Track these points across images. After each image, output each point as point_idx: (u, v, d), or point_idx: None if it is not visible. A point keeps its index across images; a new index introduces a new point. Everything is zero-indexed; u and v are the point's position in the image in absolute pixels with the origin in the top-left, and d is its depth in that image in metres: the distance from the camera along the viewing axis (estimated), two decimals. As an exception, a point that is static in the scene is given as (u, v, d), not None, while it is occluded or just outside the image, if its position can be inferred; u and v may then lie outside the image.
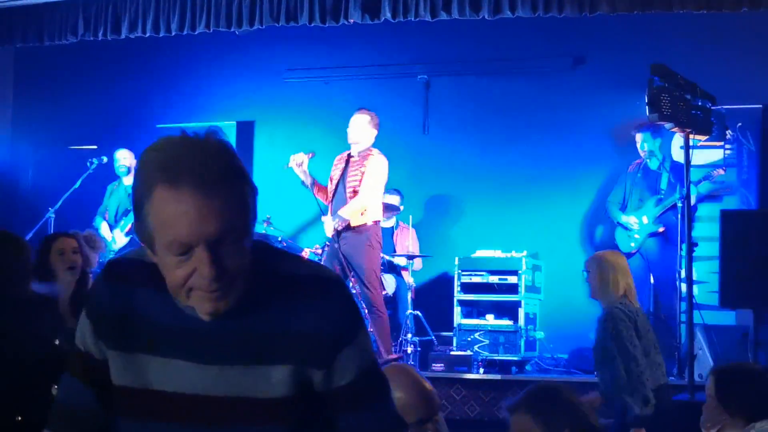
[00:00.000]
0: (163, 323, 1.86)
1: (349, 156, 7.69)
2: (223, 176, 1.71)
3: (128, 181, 9.24)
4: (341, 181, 7.61)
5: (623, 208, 8.37)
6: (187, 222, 1.68)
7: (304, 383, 1.85)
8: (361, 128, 7.64)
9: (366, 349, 1.91)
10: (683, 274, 7.11)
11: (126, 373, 1.91)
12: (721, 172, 8.24)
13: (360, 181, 7.50)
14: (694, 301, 6.29)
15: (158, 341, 1.87)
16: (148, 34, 8.98)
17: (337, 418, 1.91)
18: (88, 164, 9.23)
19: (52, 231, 8.82)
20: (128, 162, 9.26)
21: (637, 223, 8.19)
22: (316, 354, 1.84)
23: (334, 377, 1.86)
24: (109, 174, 9.41)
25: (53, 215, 8.97)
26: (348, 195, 7.50)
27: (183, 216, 1.68)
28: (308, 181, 7.71)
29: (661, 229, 8.16)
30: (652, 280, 8.28)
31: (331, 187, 7.70)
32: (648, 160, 8.33)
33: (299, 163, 7.61)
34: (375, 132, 7.68)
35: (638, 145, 8.36)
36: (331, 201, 7.66)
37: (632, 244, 8.22)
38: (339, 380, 1.87)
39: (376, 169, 7.56)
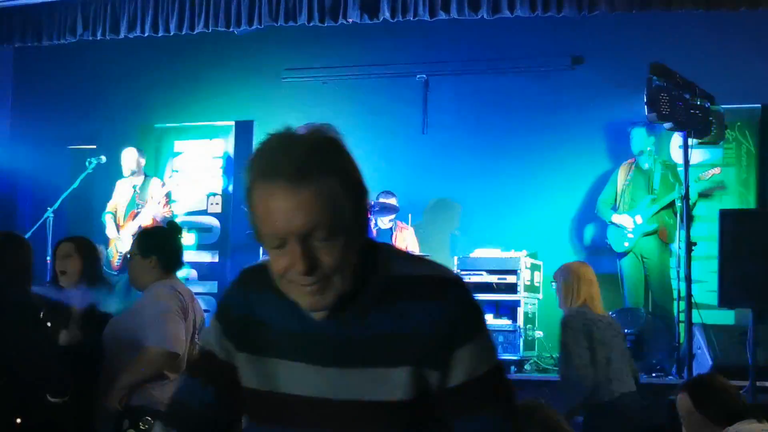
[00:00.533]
0: (286, 327, 1.90)
1: None
2: (313, 172, 1.74)
3: (136, 180, 9.21)
4: None
5: (615, 208, 8.37)
6: (277, 215, 1.74)
7: (424, 386, 1.84)
8: None
9: (483, 353, 1.86)
10: (680, 273, 7.12)
11: (254, 375, 1.95)
12: (717, 171, 8.24)
13: None
14: (692, 300, 6.29)
15: (282, 344, 1.91)
16: (146, 34, 8.98)
17: (449, 422, 1.87)
18: (87, 164, 9.19)
19: (50, 231, 8.81)
20: (135, 161, 9.22)
21: (631, 223, 8.18)
22: (433, 355, 1.82)
23: (446, 378, 1.84)
24: (109, 173, 9.39)
25: (52, 215, 8.95)
26: None
27: (274, 210, 1.74)
28: None
29: (655, 229, 8.16)
30: (646, 280, 8.28)
31: None
32: (640, 159, 8.33)
33: None
34: None
35: (631, 143, 8.37)
36: None
37: (626, 244, 8.22)
38: (449, 381, 1.84)
39: None
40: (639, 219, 8.17)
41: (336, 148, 1.80)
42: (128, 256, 4.68)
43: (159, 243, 4.51)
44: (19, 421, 3.90)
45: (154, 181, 9.21)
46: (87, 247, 4.84)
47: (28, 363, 3.90)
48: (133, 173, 9.19)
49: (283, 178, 1.73)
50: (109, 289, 4.69)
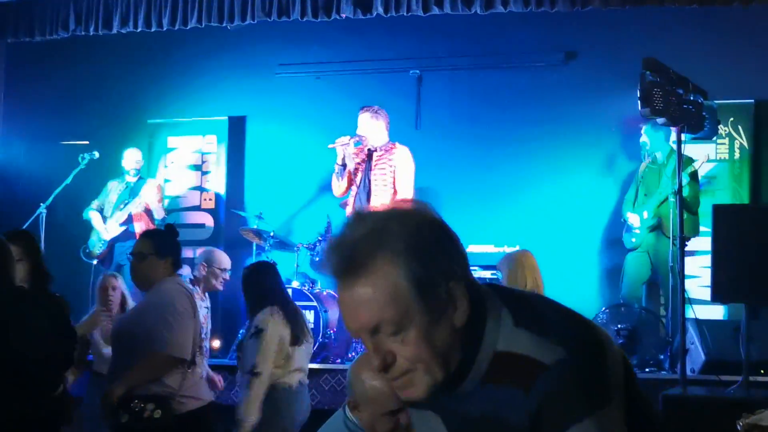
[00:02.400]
0: None
1: (370, 150, 7.86)
2: (364, 265, 1.64)
3: (131, 179, 9.18)
4: (365, 176, 7.76)
5: (635, 205, 8.34)
6: (345, 313, 1.69)
7: None
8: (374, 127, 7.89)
9: None
10: (676, 268, 7.11)
11: (418, 427, 1.94)
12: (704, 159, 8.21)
13: (393, 176, 7.75)
14: (686, 296, 6.30)
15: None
16: (139, 29, 8.96)
17: None
18: (80, 159, 9.18)
19: (43, 227, 8.79)
20: (136, 163, 9.19)
21: (637, 221, 8.17)
22: None
23: None
24: (101, 169, 9.37)
25: (45, 211, 8.93)
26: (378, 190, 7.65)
27: (342, 308, 1.70)
28: (351, 166, 7.81)
29: (657, 223, 8.12)
30: (651, 277, 8.26)
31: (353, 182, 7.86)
32: (655, 155, 8.27)
33: (345, 144, 7.75)
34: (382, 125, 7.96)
35: (641, 140, 8.32)
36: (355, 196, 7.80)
37: (633, 240, 8.21)
38: None
39: (409, 162, 7.84)
40: (645, 214, 8.16)
41: (394, 227, 1.66)
42: (130, 256, 4.69)
43: (172, 244, 4.64)
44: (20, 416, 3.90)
45: (148, 181, 9.21)
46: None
47: (33, 357, 3.91)
48: (135, 173, 9.18)
49: (338, 276, 1.66)
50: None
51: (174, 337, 4.32)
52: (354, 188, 7.81)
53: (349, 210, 7.82)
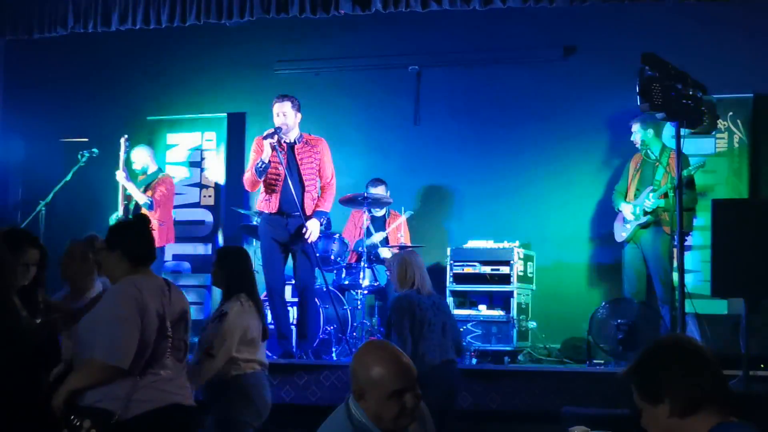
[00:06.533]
0: None
1: (288, 143, 7.61)
2: None
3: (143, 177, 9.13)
4: (289, 169, 7.50)
5: (625, 198, 8.33)
6: None
7: None
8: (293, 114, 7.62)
9: None
10: (675, 263, 7.11)
11: None
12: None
13: (318, 167, 7.62)
14: (686, 290, 6.30)
15: None
16: (138, 27, 8.95)
17: None
18: (79, 157, 9.15)
19: (43, 224, 8.76)
20: (145, 160, 9.11)
21: (631, 213, 8.16)
22: None
23: None
24: (101, 166, 9.35)
25: (44, 209, 8.92)
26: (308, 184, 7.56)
27: None
28: (281, 160, 7.45)
29: (651, 220, 8.11)
30: (646, 270, 8.26)
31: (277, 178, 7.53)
32: (647, 151, 8.25)
33: (273, 136, 7.41)
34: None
35: (632, 137, 8.31)
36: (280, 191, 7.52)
37: (623, 234, 8.22)
38: None
39: (329, 153, 7.75)
40: (638, 210, 8.16)
41: None
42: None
43: (123, 236, 4.34)
44: None
45: (165, 179, 9.07)
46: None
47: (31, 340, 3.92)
48: (141, 172, 9.10)
49: None
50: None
51: (112, 342, 3.99)
52: (278, 183, 7.47)
53: (272, 207, 7.50)
